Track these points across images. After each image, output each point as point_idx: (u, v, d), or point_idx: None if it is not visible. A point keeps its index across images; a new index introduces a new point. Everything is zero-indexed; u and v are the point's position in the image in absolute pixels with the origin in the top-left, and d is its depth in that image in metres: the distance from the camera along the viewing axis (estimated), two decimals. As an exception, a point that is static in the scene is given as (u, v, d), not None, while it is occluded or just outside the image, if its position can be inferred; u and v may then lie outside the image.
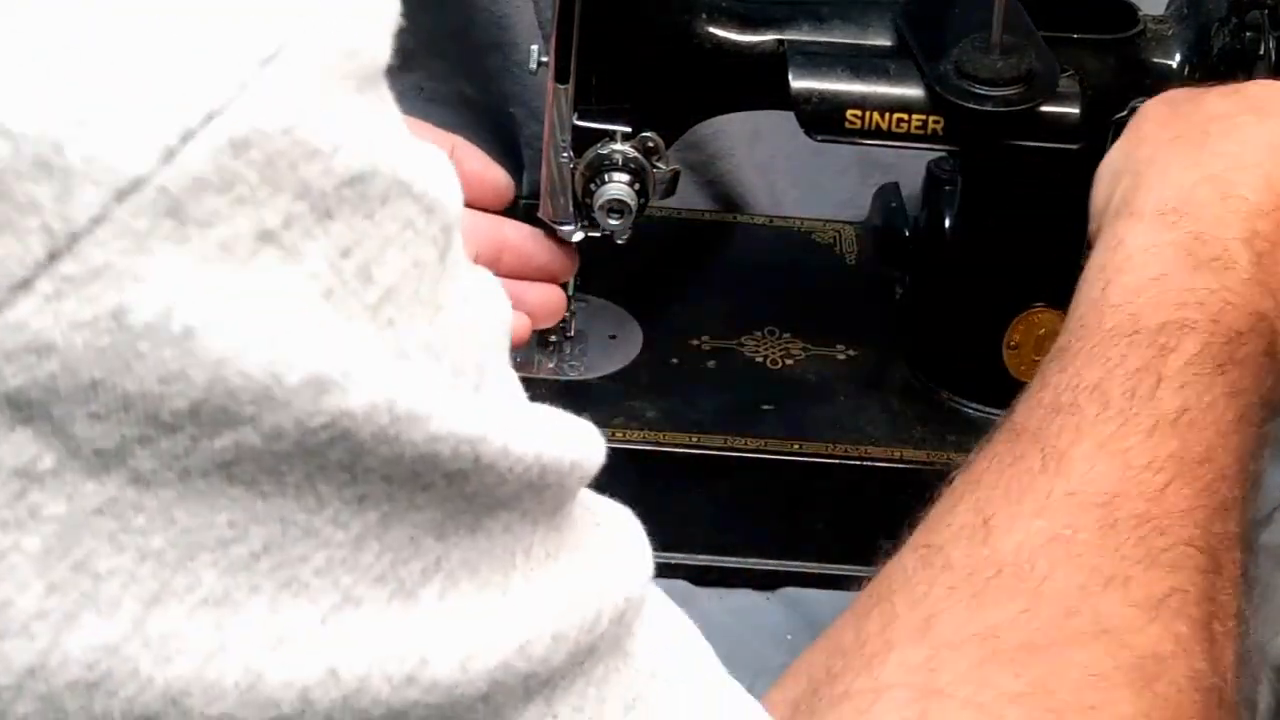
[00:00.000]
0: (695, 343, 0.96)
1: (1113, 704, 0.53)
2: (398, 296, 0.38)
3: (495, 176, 0.92)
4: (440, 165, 0.40)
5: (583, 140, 0.86)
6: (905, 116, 0.84)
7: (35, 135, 0.34)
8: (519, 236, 0.90)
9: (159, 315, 0.34)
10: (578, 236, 0.89)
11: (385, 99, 0.39)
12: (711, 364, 0.95)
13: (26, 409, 0.34)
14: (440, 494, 0.39)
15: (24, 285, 0.34)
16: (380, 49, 0.39)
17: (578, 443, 0.43)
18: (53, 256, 0.34)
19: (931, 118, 0.84)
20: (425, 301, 0.39)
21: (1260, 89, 0.74)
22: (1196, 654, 0.56)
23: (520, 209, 0.97)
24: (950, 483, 0.59)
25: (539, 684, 0.42)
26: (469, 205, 0.94)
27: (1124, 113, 0.85)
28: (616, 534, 0.46)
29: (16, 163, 0.33)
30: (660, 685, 0.45)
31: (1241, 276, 0.65)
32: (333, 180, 0.36)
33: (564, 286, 0.92)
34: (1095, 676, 0.54)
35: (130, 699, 0.37)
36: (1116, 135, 0.86)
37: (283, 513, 0.37)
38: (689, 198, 1.05)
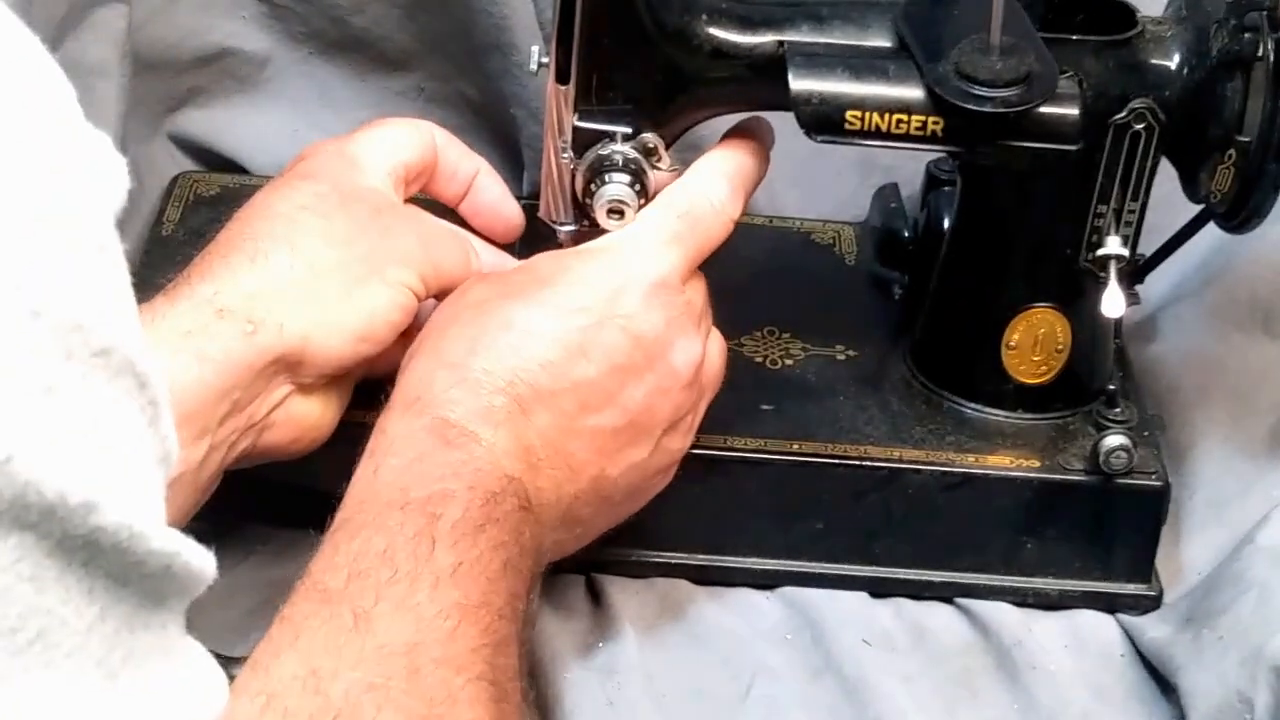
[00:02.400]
0: (695, 343, 0.96)
1: None
2: (125, 449, 0.49)
3: (509, 212, 0.95)
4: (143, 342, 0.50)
5: (583, 141, 0.86)
6: (905, 117, 0.84)
7: None
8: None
9: None
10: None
11: (116, 263, 0.49)
12: (711, 364, 0.95)
13: None
14: (135, 592, 0.50)
15: None
16: (109, 225, 0.49)
17: (200, 557, 0.53)
18: None
19: (931, 119, 0.84)
20: (143, 452, 0.50)
21: (525, 272, 0.83)
22: None
23: (521, 209, 0.97)
24: (269, 637, 0.67)
25: None
26: (479, 235, 0.95)
27: (1123, 114, 0.86)
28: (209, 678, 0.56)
29: None
30: None
31: (486, 448, 0.75)
32: (89, 350, 0.47)
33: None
34: None
35: None
36: (1116, 137, 0.86)
37: (49, 605, 0.46)
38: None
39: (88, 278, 0.47)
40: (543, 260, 0.84)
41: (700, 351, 0.84)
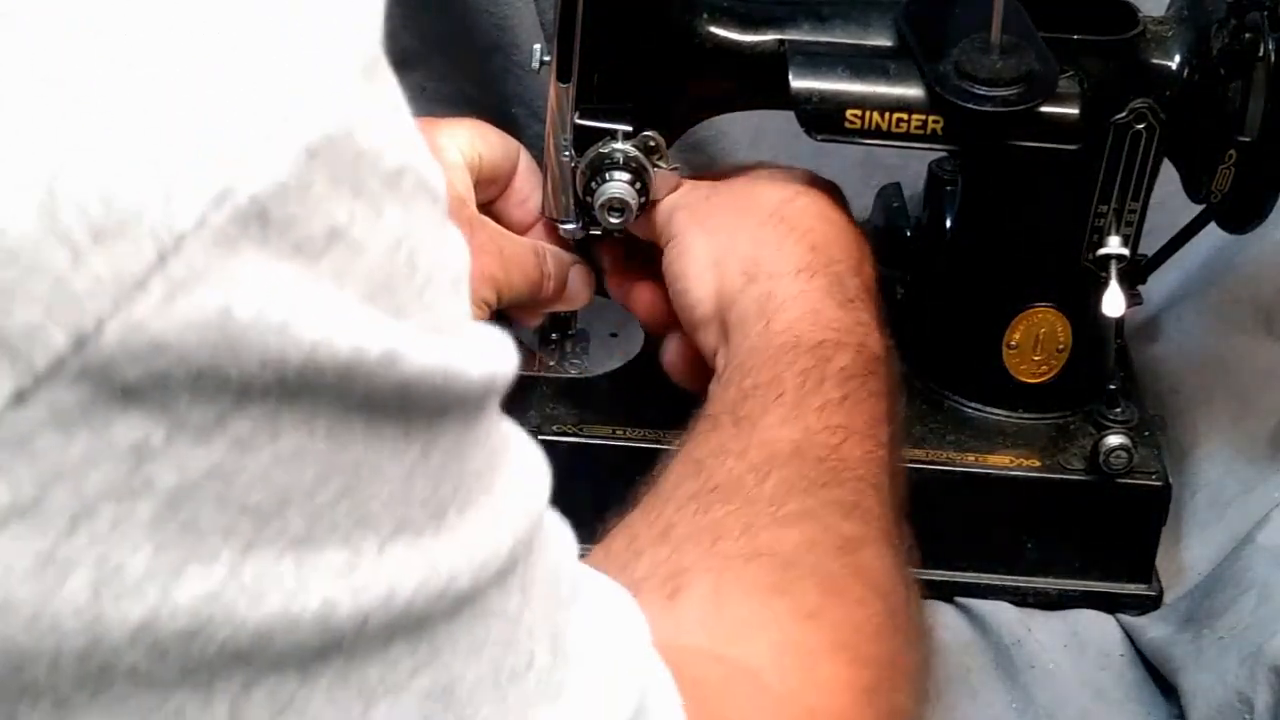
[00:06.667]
0: (696, 342, 0.96)
1: (823, 566, 0.66)
2: (433, 280, 0.42)
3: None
4: (428, 148, 0.43)
5: (584, 139, 0.87)
6: (905, 116, 0.84)
7: (134, 149, 0.37)
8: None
9: (259, 311, 0.38)
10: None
11: (388, 81, 0.42)
12: (712, 363, 0.95)
13: (137, 394, 0.37)
14: (454, 420, 0.44)
15: (140, 285, 0.36)
16: (376, 36, 0.41)
17: (509, 358, 0.47)
18: (162, 258, 0.37)
19: (931, 118, 0.84)
20: (446, 279, 0.43)
21: (757, 181, 0.88)
22: (884, 546, 0.70)
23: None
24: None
25: (502, 574, 0.46)
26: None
27: (1123, 113, 0.86)
28: (526, 441, 0.51)
29: (121, 173, 0.36)
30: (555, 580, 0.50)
31: (869, 321, 0.81)
32: (379, 179, 0.40)
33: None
34: (811, 547, 0.66)
35: (225, 640, 0.40)
36: (1116, 137, 0.86)
37: (356, 457, 0.41)
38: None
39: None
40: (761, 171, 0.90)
41: None
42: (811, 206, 0.86)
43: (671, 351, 0.89)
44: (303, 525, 0.40)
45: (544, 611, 0.48)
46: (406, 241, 0.41)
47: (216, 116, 0.38)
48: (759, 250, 0.83)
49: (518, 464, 0.48)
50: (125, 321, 0.36)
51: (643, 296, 0.90)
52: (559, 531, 0.51)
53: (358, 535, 0.42)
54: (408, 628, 0.43)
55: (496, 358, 0.46)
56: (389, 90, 0.42)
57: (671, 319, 0.88)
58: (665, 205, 0.87)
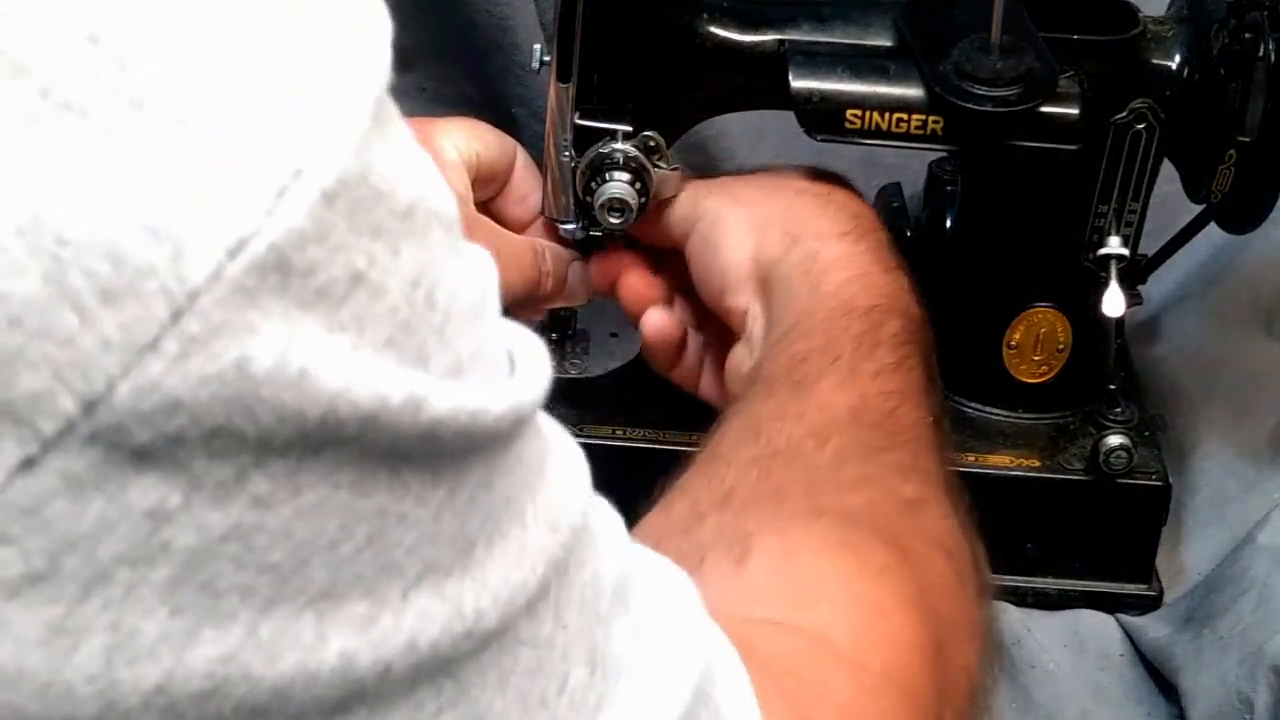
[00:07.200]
0: (696, 342, 0.96)
1: (888, 525, 0.66)
2: (452, 315, 0.41)
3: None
4: (436, 172, 0.42)
5: (584, 139, 0.86)
6: (905, 116, 0.85)
7: (143, 205, 0.36)
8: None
9: (276, 362, 0.37)
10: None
11: (395, 119, 0.41)
12: (712, 363, 0.95)
13: (151, 457, 0.37)
14: (482, 456, 0.43)
15: (151, 345, 0.36)
16: (385, 72, 0.41)
17: (541, 373, 0.46)
18: (175, 316, 0.36)
19: (931, 118, 0.84)
20: (466, 311, 0.42)
21: (777, 170, 0.90)
22: (945, 506, 0.71)
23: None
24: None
25: (532, 603, 0.45)
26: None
27: (1123, 113, 0.86)
28: (564, 447, 0.49)
29: (129, 232, 0.36)
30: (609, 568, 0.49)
31: (908, 284, 0.83)
32: (394, 217, 0.39)
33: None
34: (874, 507, 0.67)
35: (242, 699, 0.39)
36: (1116, 137, 0.86)
37: (381, 506, 0.40)
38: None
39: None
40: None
41: None
42: (838, 189, 0.87)
43: (657, 321, 0.88)
44: (324, 579, 0.39)
45: (580, 629, 0.46)
46: (424, 279, 0.40)
47: (226, 164, 0.37)
48: (800, 214, 0.84)
49: (554, 478, 0.47)
50: (136, 382, 0.36)
51: (629, 276, 0.90)
52: (602, 526, 0.49)
53: (381, 584, 0.40)
54: (433, 670, 0.42)
55: (524, 381, 0.44)
56: (396, 124, 0.41)
57: (653, 297, 0.88)
58: (685, 197, 0.87)
